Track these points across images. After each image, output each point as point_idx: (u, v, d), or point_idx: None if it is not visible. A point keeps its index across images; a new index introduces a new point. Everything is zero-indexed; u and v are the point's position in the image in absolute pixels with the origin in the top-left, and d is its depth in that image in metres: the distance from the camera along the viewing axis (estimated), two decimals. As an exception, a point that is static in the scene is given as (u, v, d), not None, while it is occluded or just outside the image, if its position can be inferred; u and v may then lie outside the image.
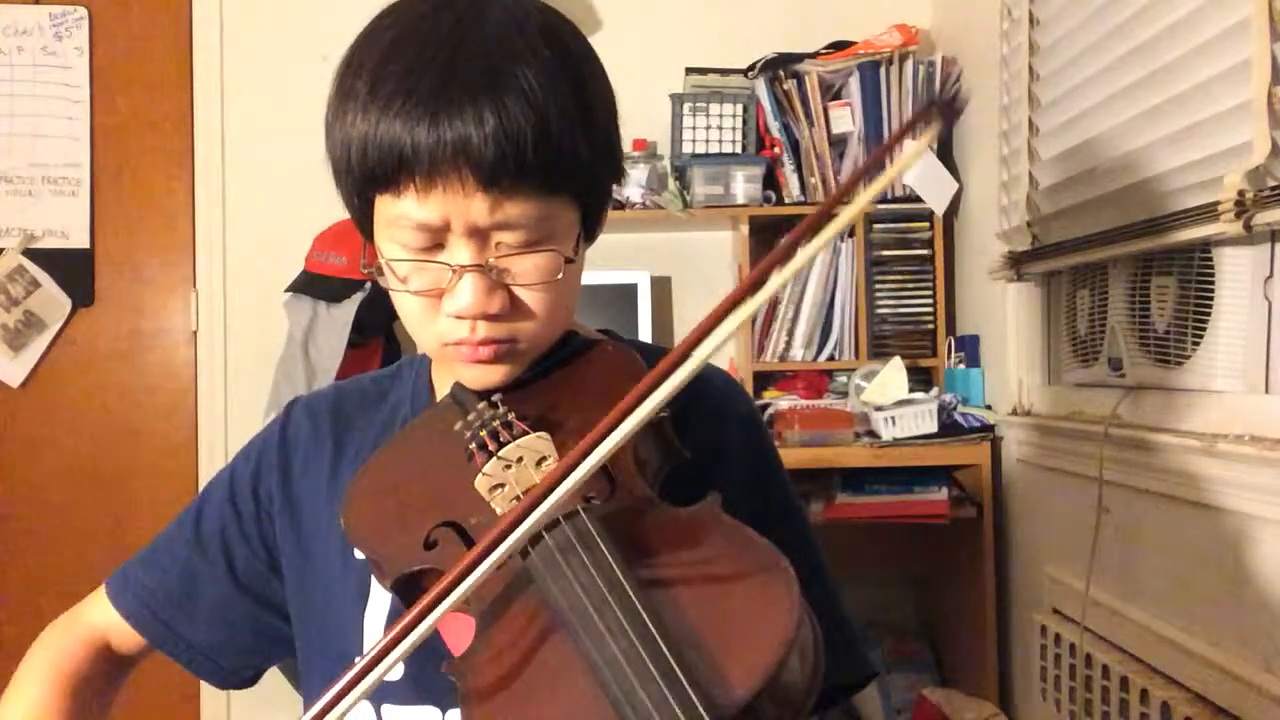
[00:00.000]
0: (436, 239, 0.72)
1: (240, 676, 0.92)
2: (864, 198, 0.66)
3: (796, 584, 0.59)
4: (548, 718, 0.61)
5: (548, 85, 0.70)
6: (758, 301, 0.64)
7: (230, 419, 2.88)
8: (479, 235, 0.72)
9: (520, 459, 0.70)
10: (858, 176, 0.69)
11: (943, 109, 0.66)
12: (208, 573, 0.89)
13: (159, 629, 0.89)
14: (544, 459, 0.70)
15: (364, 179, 0.72)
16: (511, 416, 0.73)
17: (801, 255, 0.64)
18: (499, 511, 0.69)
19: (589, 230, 0.80)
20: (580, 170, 0.73)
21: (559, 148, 0.70)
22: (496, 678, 0.63)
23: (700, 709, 0.55)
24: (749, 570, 0.62)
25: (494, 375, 0.77)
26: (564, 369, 0.81)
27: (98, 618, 0.92)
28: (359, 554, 0.82)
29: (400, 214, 0.71)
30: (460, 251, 0.72)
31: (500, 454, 0.70)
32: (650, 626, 0.59)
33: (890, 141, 0.68)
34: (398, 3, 0.75)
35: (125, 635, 0.91)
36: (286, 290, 2.57)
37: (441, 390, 0.88)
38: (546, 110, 0.69)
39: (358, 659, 0.61)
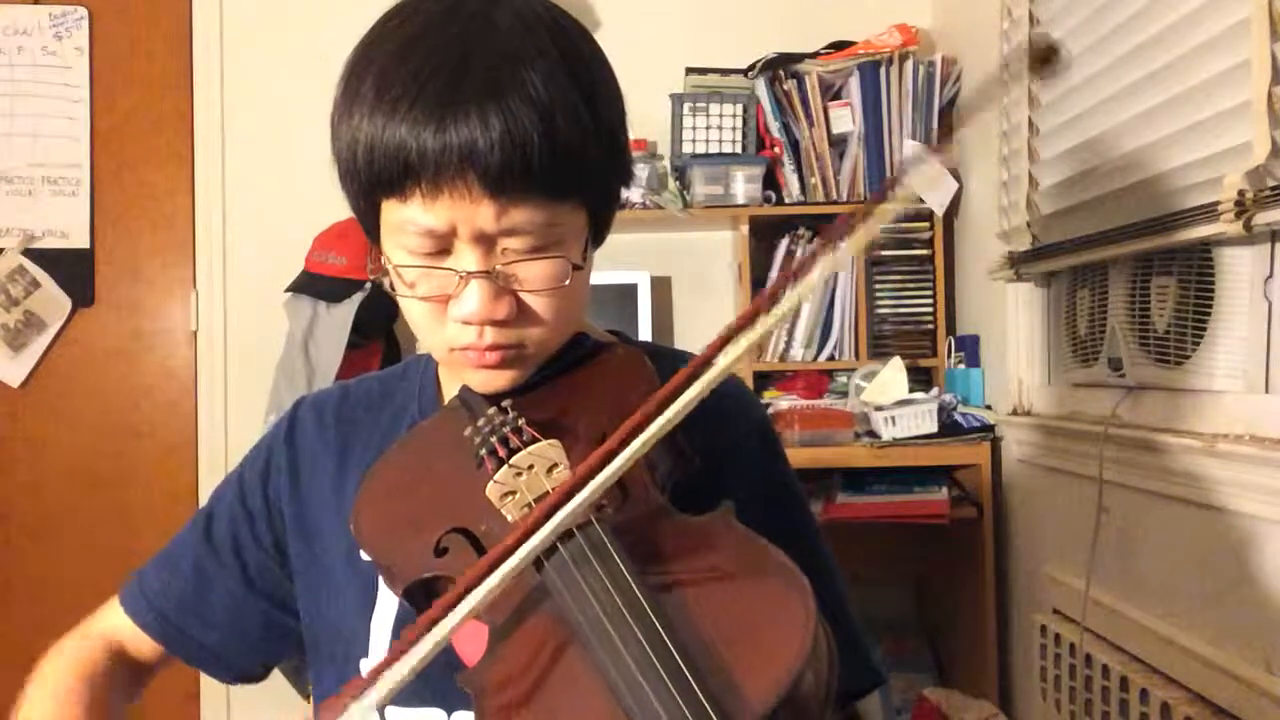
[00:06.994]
0: (443, 244, 0.71)
1: (251, 674, 0.93)
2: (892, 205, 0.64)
3: (812, 596, 0.59)
4: None
5: (556, 89, 0.69)
6: (778, 315, 0.62)
7: (230, 419, 2.88)
8: (485, 241, 0.71)
9: (531, 466, 0.69)
10: (888, 185, 0.66)
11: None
12: (220, 575, 0.89)
13: (171, 633, 0.89)
14: (555, 466, 0.69)
15: (370, 183, 0.72)
16: (521, 422, 0.72)
17: (821, 264, 0.63)
18: (510, 519, 0.68)
19: (597, 234, 0.79)
20: (588, 175, 0.73)
21: (567, 153, 0.69)
22: (511, 689, 0.62)
23: None
24: (763, 582, 0.62)
25: (501, 380, 0.77)
26: (573, 373, 0.80)
27: (110, 626, 0.92)
28: (365, 556, 0.82)
29: (406, 219, 0.71)
30: (467, 257, 0.71)
31: (511, 461, 0.69)
32: (665, 638, 0.58)
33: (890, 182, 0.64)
34: (405, 3, 0.74)
35: (140, 642, 0.91)
36: (286, 290, 2.57)
37: (449, 391, 0.87)
38: (554, 115, 0.68)
39: (363, 660, 0.60)
